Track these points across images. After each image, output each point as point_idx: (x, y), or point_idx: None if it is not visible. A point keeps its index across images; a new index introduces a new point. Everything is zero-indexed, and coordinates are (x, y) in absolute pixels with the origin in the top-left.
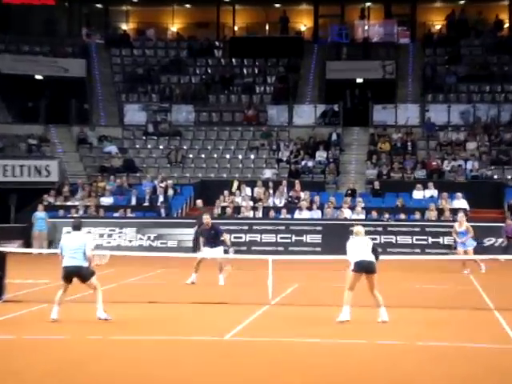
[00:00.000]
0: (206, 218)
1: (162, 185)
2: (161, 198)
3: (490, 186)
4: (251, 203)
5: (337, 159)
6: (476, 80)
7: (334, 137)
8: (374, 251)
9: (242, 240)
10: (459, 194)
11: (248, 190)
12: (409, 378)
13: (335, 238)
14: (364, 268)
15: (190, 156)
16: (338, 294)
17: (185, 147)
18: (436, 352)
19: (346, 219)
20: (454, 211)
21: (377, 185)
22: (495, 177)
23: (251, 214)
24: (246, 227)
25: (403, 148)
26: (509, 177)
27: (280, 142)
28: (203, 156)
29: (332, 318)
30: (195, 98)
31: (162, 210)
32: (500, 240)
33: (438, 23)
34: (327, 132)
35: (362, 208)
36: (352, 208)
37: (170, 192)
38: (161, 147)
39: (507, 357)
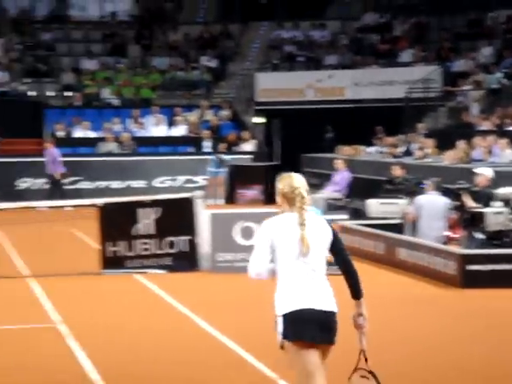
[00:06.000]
0: None
1: None
2: None
3: (24, 106)
4: None
5: None
6: None
7: None
8: (344, 262)
9: None
10: None
11: None
12: None
13: None
14: (313, 328)
15: None
16: None
17: None
18: None
19: None
20: None
21: None
22: (31, 93)
23: None
24: None
25: None
26: (49, 93)
27: None
28: None
29: None
30: None
31: None
32: (43, 181)
33: None
34: None
35: None
36: None
37: None
38: None
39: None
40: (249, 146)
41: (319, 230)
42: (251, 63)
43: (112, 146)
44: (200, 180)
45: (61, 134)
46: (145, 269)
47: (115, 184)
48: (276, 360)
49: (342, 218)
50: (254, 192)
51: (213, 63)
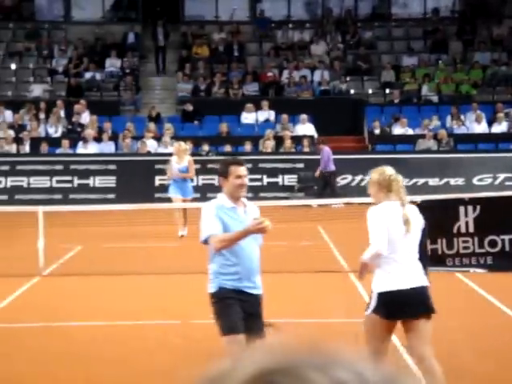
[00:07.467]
0: None
1: None
2: None
3: (345, 103)
4: (13, 133)
5: (136, 70)
6: None
7: (132, 38)
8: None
9: (2, 186)
10: (304, 117)
11: (8, 115)
12: None
13: (135, 180)
14: (408, 305)
15: None
16: (137, 259)
17: None
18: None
19: (150, 153)
20: (298, 139)
21: (191, 105)
22: (352, 91)
23: (14, 148)
24: (6, 167)
25: (227, 53)
26: (370, 91)
27: (54, 45)
28: None
29: (123, 290)
30: None
31: None
32: (358, 178)
33: None
34: (121, 31)
35: (172, 138)
36: (158, 138)
37: None
38: None
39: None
40: None
41: (416, 215)
42: None
43: (430, 143)
44: None
45: (379, 131)
46: (465, 267)
47: (433, 181)
48: None
49: None
50: None
51: None
